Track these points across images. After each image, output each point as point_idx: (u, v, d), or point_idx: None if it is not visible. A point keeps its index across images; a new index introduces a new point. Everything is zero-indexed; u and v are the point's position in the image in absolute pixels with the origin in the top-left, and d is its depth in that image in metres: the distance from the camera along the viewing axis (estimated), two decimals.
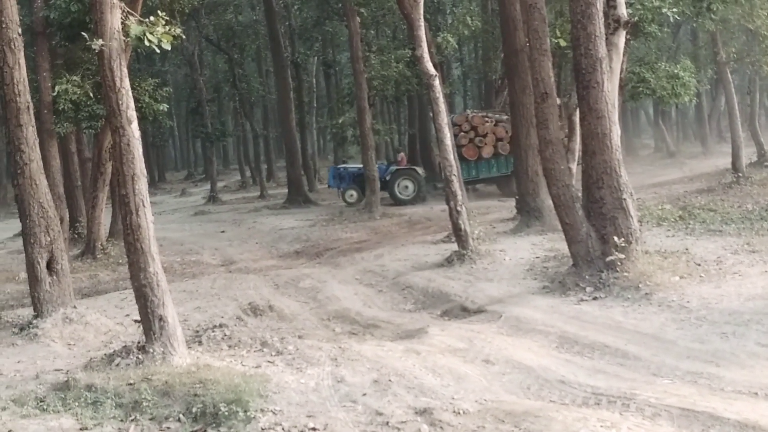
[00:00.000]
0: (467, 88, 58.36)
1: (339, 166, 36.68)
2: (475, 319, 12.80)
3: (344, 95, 39.32)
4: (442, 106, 18.24)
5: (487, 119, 33.64)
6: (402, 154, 36.96)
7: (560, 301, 12.99)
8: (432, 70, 18.11)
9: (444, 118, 18.30)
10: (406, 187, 33.40)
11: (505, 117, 33.75)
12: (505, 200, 29.90)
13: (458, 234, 17.43)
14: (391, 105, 49.89)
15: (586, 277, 13.34)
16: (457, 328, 11.94)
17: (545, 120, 14.49)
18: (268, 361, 9.97)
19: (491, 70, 37.30)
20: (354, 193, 33.93)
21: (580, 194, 14.01)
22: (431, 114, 19.20)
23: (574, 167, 18.70)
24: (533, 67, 14.91)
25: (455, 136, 33.04)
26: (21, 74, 13.00)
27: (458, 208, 17.44)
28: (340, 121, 36.59)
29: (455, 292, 14.80)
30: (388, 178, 33.27)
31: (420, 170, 34.96)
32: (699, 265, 13.95)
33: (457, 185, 17.74)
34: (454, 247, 17.71)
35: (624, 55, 16.55)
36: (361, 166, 33.85)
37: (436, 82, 18.08)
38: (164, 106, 22.43)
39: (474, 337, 11.08)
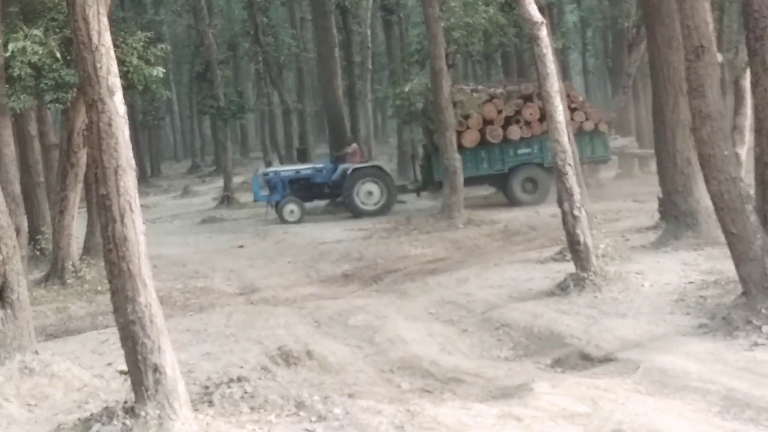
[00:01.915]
0: (587, 41, 58.14)
1: (267, 171, 36.54)
2: (601, 372, 12.68)
3: (412, 53, 39.35)
4: (552, 67, 18.13)
5: (475, 93, 33.86)
6: (354, 145, 36.99)
7: (724, 345, 12.81)
8: (537, 16, 18.02)
9: (554, 83, 18.17)
10: (370, 192, 33.53)
11: (500, 90, 33.91)
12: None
13: (575, 249, 17.30)
14: (479, 65, 49.86)
15: (762, 311, 13.15)
16: (574, 384, 11.84)
17: (701, 85, 14.30)
18: (307, 430, 10.00)
19: (622, 14, 37.04)
20: (295, 207, 33.96)
21: (752, 192, 13.81)
22: (536, 77, 19.12)
23: (744, 153, 18.46)
24: (683, 9, 14.75)
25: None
26: None
27: (575, 213, 17.32)
28: (407, 89, 36.61)
29: (572, 332, 14.67)
30: (335, 180, 33.88)
31: (386, 167, 35.40)
32: None
33: (573, 180, 17.63)
34: (570, 267, 17.59)
35: None
36: (299, 167, 34.25)
37: (543, 32, 17.98)
38: (159, 71, 22.62)
39: (599, 398, 10.97)
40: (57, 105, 22.61)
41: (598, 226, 20.13)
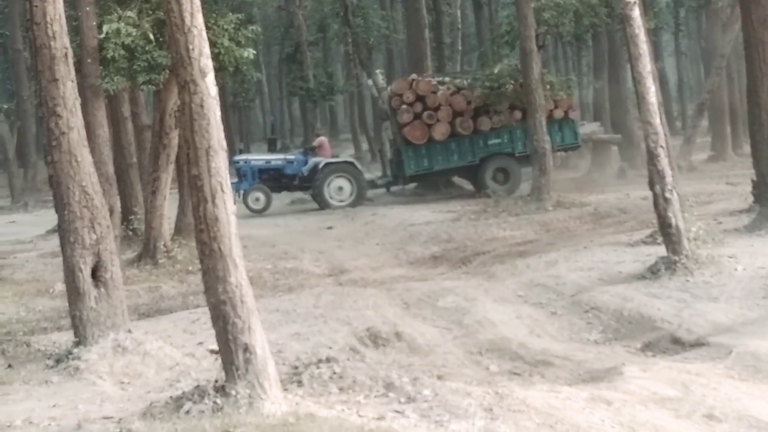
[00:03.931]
0: (679, 21, 57.39)
1: (236, 159, 36.08)
2: (692, 356, 12.58)
3: (502, 34, 39.16)
4: (644, 48, 17.93)
5: (441, 85, 33.55)
6: (322, 138, 36.87)
7: None
8: None
9: (646, 65, 17.98)
10: (340, 188, 33.37)
11: (467, 81, 33.71)
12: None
13: (667, 232, 17.13)
14: (570, 47, 49.53)
15: None
16: (665, 368, 11.76)
17: None
18: (396, 411, 10.01)
19: None
20: (261, 195, 33.84)
21: None
22: (627, 58, 18.93)
23: None
24: None
25: (394, 110, 33.49)
26: (56, 9, 13.31)
27: (666, 195, 17.14)
28: (496, 70, 36.46)
29: (662, 316, 14.56)
30: (307, 173, 33.75)
31: (357, 163, 35.27)
32: None
33: (665, 162, 17.45)
34: (661, 250, 17.42)
35: None
36: (269, 157, 34.18)
37: (636, 13, 17.79)
38: (250, 52, 22.74)
39: (691, 382, 10.89)
40: (150, 86, 22.81)
41: (690, 209, 19.87)
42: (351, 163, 34.87)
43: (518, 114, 33.13)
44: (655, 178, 17.26)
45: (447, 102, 33.14)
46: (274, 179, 34.09)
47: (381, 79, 37.90)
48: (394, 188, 36.07)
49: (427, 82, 33.54)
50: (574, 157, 42.34)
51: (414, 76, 35.04)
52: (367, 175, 36.35)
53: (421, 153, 33.34)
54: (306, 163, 34.34)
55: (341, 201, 33.19)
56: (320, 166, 33.67)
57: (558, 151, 34.65)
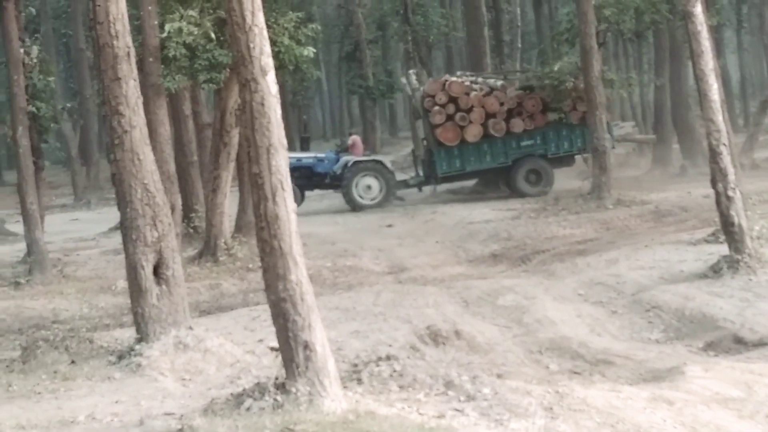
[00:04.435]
0: (742, 18, 56.83)
1: None
2: (756, 356, 12.51)
3: (561, 31, 38.98)
4: (706, 45, 17.80)
5: (474, 87, 33.27)
6: (355, 137, 36.63)
7: None
8: None
9: (708, 62, 17.85)
10: (369, 187, 33.16)
11: (500, 82, 33.50)
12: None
13: (729, 231, 17.00)
14: (630, 44, 49.17)
15: None
16: (728, 369, 11.67)
17: None
18: (455, 409, 9.99)
19: None
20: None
21: None
22: (689, 56, 18.80)
23: None
24: None
25: (426, 111, 33.23)
26: (119, 8, 13.42)
27: (729, 193, 17.02)
28: (556, 68, 36.31)
29: (725, 315, 14.48)
30: (338, 172, 33.45)
31: (388, 162, 35.02)
32: None
33: (727, 160, 17.31)
34: (724, 249, 17.29)
35: None
36: (300, 155, 34.37)
37: (698, 9, 17.67)
38: (310, 51, 22.81)
39: (754, 382, 10.81)
40: (210, 85, 22.91)
41: (753, 208, 19.76)
42: (379, 162, 34.73)
43: (553, 115, 33.14)
44: (717, 176, 17.13)
45: (480, 103, 32.94)
46: (306, 177, 33.90)
47: (414, 79, 37.85)
48: (426, 188, 36.02)
49: (460, 84, 33.35)
50: (635, 155, 42.10)
51: (447, 77, 35.06)
52: (401, 175, 36.40)
53: (453, 154, 33.28)
54: (337, 161, 34.35)
55: (371, 200, 33.15)
56: (349, 164, 33.68)
57: (579, 154, 34.39)
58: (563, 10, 48.31)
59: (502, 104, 32.98)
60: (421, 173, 35.39)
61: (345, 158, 34.00)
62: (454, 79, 34.10)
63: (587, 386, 11.11)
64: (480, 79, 34.64)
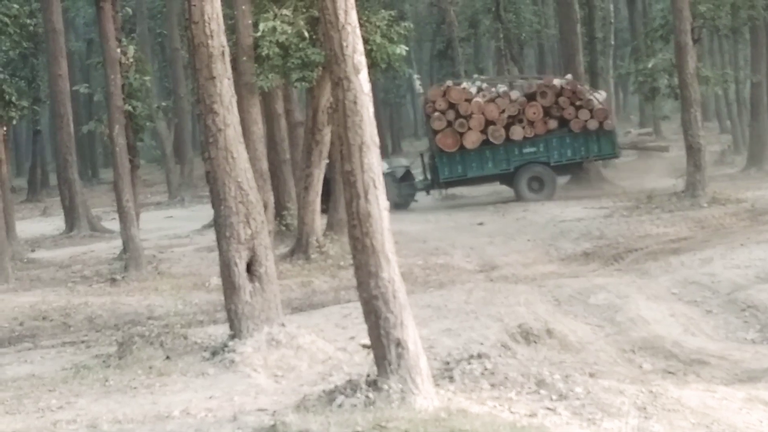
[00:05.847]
0: None
1: None
2: None
3: (656, 28, 38.67)
4: None
5: (481, 93, 33.29)
6: None
7: None
8: None
9: None
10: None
11: (503, 89, 33.74)
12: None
13: None
14: (726, 40, 48.59)
15: None
16: None
17: None
18: (547, 408, 9.96)
19: None
20: None
21: None
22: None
23: None
24: None
25: (427, 117, 33.74)
26: (214, 8, 13.53)
27: None
28: (650, 65, 36.03)
29: None
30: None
31: (405, 161, 36.00)
32: None
33: None
34: None
35: None
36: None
37: None
38: (402, 49, 22.83)
39: None
40: (303, 83, 23.09)
41: None
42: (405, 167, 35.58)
43: (553, 123, 33.04)
44: None
45: (480, 110, 33.04)
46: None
47: (418, 84, 37.86)
48: (432, 191, 36.20)
49: (461, 90, 33.54)
50: (730, 153, 41.64)
51: (448, 83, 35.21)
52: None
53: (455, 159, 33.64)
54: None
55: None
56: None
57: (595, 160, 34.90)
58: (657, 6, 47.90)
59: (502, 111, 32.97)
60: (429, 177, 35.59)
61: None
62: (461, 85, 34.41)
63: (681, 386, 11.00)
64: (485, 85, 34.73)
